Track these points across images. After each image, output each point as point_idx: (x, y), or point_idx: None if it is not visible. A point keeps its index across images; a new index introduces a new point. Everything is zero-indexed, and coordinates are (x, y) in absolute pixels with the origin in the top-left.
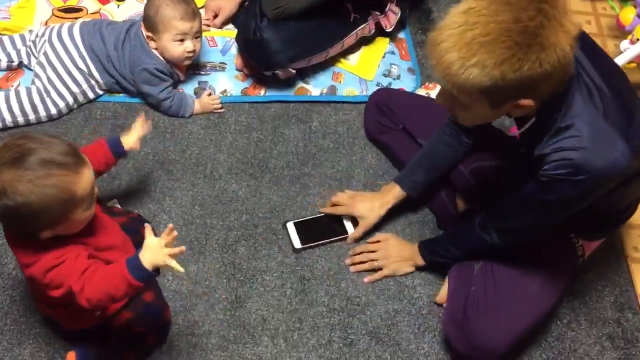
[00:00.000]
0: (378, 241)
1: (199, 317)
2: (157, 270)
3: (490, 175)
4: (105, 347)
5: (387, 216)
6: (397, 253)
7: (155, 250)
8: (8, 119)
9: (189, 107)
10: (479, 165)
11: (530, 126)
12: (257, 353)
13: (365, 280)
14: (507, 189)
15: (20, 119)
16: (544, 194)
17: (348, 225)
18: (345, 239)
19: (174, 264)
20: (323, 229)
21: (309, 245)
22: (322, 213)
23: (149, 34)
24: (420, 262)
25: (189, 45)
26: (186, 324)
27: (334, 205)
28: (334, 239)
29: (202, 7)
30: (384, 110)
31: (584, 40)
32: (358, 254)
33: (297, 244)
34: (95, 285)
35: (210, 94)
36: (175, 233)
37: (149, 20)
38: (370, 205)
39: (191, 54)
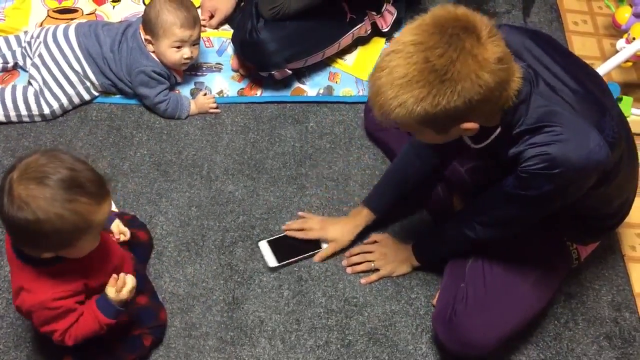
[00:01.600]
0: (375, 241)
1: (196, 318)
2: (124, 305)
3: (488, 174)
4: (103, 351)
5: (384, 217)
6: (393, 254)
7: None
8: (0, 112)
9: (185, 108)
10: (477, 165)
11: (498, 136)
12: (254, 355)
13: (362, 281)
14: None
15: (12, 114)
16: (522, 189)
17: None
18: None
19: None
20: (297, 244)
21: (284, 263)
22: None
23: (148, 37)
24: (416, 262)
25: (186, 52)
26: (183, 325)
27: (303, 229)
28: (309, 254)
29: (198, 7)
30: None
31: (542, 39)
32: (355, 254)
33: (272, 262)
34: (73, 334)
35: (205, 94)
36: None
37: (149, 24)
38: (341, 230)
39: (188, 61)
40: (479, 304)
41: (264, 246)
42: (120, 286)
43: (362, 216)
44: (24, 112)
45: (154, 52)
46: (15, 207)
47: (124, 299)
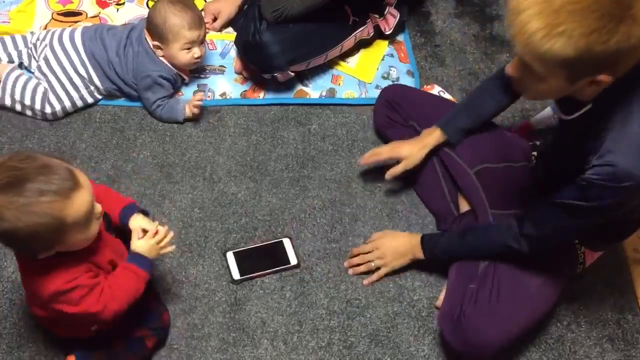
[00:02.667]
0: (373, 240)
1: (199, 320)
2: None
3: (496, 176)
4: (105, 351)
5: (386, 219)
6: (392, 250)
7: (148, 248)
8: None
9: (179, 111)
10: (485, 167)
11: (585, 114)
12: (256, 356)
13: (365, 282)
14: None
15: (17, 99)
16: (582, 199)
17: (291, 254)
18: (288, 268)
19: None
20: (264, 258)
21: (248, 276)
22: (265, 242)
23: (156, 42)
24: (420, 255)
25: (196, 51)
26: (185, 326)
27: (374, 155)
28: (276, 269)
29: (202, 9)
30: (395, 106)
31: None
32: (355, 256)
33: (235, 275)
34: (116, 298)
35: (198, 94)
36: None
37: (156, 30)
38: (411, 148)
39: (198, 60)
40: (488, 305)
41: (230, 257)
42: (161, 237)
43: (433, 136)
44: (27, 102)
45: (163, 56)
46: None
47: (160, 249)
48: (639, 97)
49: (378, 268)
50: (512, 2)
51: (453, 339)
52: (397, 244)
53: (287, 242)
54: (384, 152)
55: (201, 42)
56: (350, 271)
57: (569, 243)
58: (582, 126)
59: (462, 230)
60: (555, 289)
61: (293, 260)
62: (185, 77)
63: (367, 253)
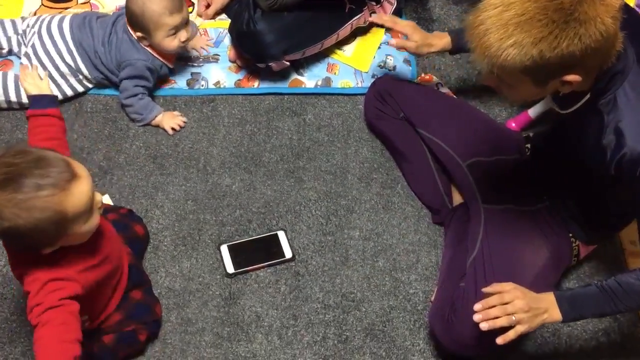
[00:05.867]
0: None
1: (192, 314)
2: None
3: (489, 170)
4: (97, 345)
5: (382, 211)
6: (534, 305)
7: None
8: None
9: (152, 113)
10: (477, 160)
11: (585, 104)
12: (251, 350)
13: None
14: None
15: (2, 99)
16: None
17: (286, 247)
18: (283, 262)
19: None
20: (259, 251)
21: (243, 270)
22: (259, 235)
23: (139, 34)
24: (558, 317)
25: (182, 35)
26: (179, 321)
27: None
28: (271, 262)
29: None
30: (386, 98)
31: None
32: (492, 306)
33: (230, 268)
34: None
35: (178, 115)
36: None
37: (137, 21)
38: (423, 35)
39: (186, 43)
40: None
41: (225, 250)
42: None
43: (443, 41)
44: (13, 97)
45: (149, 46)
46: None
47: None
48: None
49: (518, 322)
50: (468, 18)
51: (444, 337)
52: (533, 299)
53: (282, 235)
54: (412, 46)
55: (186, 23)
56: (484, 326)
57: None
58: (582, 118)
59: (608, 289)
60: (549, 282)
61: (288, 254)
62: (168, 64)
63: (503, 304)
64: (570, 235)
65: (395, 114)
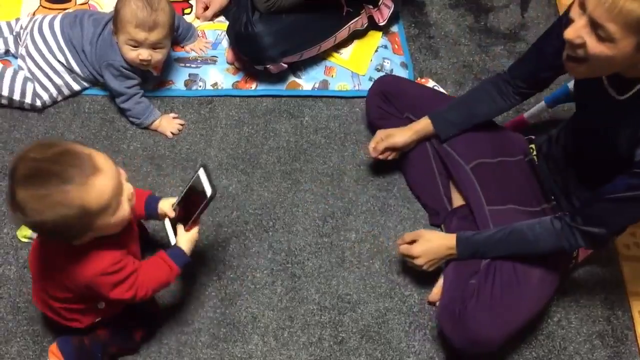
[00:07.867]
0: (414, 240)
1: (189, 314)
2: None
3: (492, 172)
4: (89, 336)
5: (379, 213)
6: (431, 257)
7: (192, 243)
8: None
9: (152, 116)
10: (481, 162)
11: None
12: (247, 351)
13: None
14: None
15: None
16: None
17: (206, 185)
18: (209, 202)
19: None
20: (191, 204)
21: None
22: (187, 183)
23: (113, 27)
24: (454, 253)
25: (142, 53)
26: (176, 321)
27: (374, 150)
28: (201, 208)
29: None
30: (390, 98)
31: None
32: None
33: (173, 240)
34: (144, 286)
35: (176, 117)
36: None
37: (115, 15)
38: (404, 137)
39: (145, 63)
40: (490, 301)
41: (167, 223)
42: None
43: (421, 124)
44: (17, 97)
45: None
46: (20, 213)
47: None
48: None
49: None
50: None
51: (454, 334)
52: (438, 244)
53: (202, 173)
54: (379, 146)
55: (154, 47)
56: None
57: None
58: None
59: (500, 231)
60: (551, 283)
61: (209, 192)
62: (153, 70)
63: (411, 257)
64: None
65: (400, 113)
